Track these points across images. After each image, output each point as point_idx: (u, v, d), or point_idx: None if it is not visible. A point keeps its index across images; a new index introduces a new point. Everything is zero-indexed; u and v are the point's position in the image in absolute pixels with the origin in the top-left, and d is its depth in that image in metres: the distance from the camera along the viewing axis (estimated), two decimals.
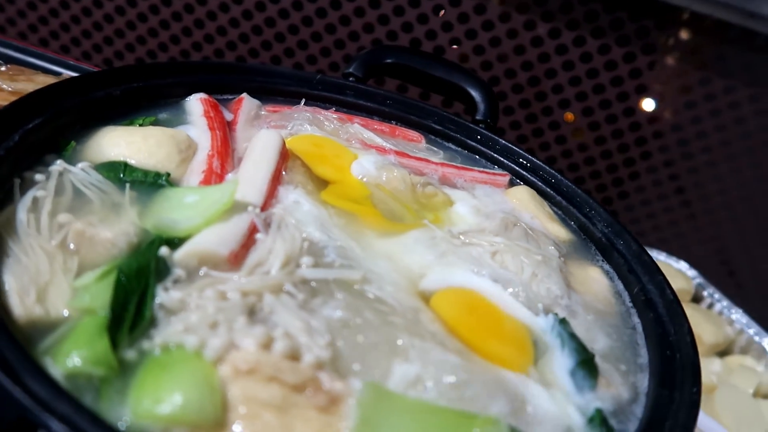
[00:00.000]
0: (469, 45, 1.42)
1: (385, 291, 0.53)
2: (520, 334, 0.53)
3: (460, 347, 0.50)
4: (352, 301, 0.51)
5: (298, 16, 1.41)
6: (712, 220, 1.60)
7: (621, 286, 0.65)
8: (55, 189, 0.55)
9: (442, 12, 1.37)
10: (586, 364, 0.52)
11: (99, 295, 0.45)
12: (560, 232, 0.71)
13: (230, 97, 0.78)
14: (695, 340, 0.55)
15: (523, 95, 1.50)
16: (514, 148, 0.80)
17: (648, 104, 1.49)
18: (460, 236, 0.64)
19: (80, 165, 0.59)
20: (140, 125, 0.68)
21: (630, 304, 0.63)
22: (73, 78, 0.65)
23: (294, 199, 0.61)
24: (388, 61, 0.85)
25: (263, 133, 0.68)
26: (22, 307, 0.44)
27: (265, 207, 0.58)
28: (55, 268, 0.48)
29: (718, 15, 1.32)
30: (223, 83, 0.78)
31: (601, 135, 1.53)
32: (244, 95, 0.77)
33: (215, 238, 0.52)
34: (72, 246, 0.50)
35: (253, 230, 0.55)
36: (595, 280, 0.65)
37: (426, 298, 0.55)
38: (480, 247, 0.62)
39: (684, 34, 1.42)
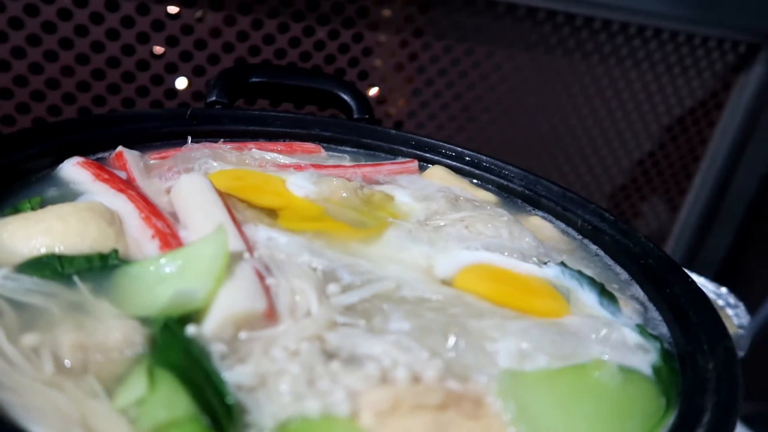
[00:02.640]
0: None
1: (419, 290, 0.51)
2: (545, 285, 0.55)
3: (516, 313, 0.50)
4: (404, 308, 0.48)
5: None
6: None
7: (563, 226, 0.71)
8: None
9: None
10: (605, 292, 0.56)
11: (173, 402, 0.35)
12: (488, 196, 0.74)
13: (103, 155, 0.66)
14: (652, 240, 0.63)
15: None
16: (406, 134, 0.81)
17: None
18: (428, 223, 0.63)
19: (0, 273, 0.45)
20: (32, 209, 0.54)
21: (580, 237, 0.69)
22: None
23: (266, 235, 0.55)
24: (254, 80, 0.79)
25: (186, 179, 0.59)
26: None
27: (249, 251, 0.51)
28: (76, 398, 0.36)
29: None
30: (90, 141, 0.66)
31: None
32: (121, 149, 0.66)
33: (243, 296, 0.44)
34: (70, 364, 0.38)
35: (260, 277, 0.48)
36: (543, 226, 0.70)
37: (447, 284, 0.54)
38: (452, 225, 0.62)
39: (396, 8, 1.50)
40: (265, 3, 1.36)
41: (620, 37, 1.70)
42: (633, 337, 0.51)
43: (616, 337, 0.49)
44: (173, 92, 1.38)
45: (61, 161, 0.61)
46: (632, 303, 0.58)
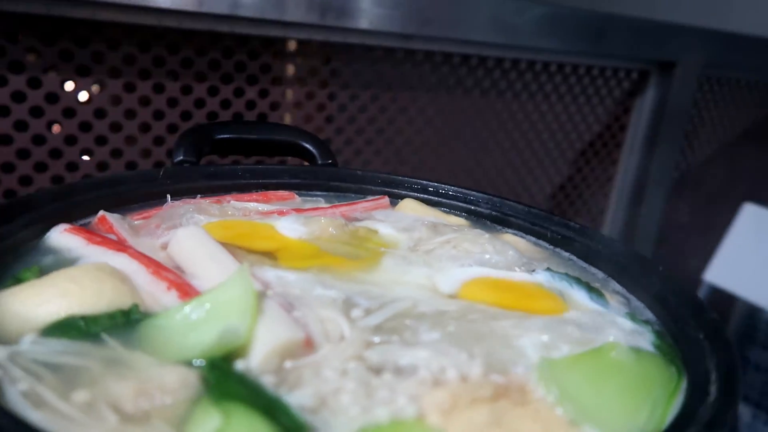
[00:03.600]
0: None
1: (434, 305, 0.54)
2: (540, 289, 0.60)
3: (525, 314, 0.55)
4: (427, 321, 0.51)
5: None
6: None
7: (533, 239, 0.77)
8: (30, 375, 0.41)
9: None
10: (592, 289, 0.62)
11: (253, 426, 0.37)
12: (460, 221, 0.80)
13: (84, 221, 0.66)
14: (618, 240, 0.70)
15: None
16: (373, 173, 0.85)
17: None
18: (417, 248, 0.67)
19: (27, 340, 0.44)
20: (34, 277, 0.53)
21: (552, 247, 0.75)
22: None
23: (274, 275, 0.57)
24: (219, 137, 0.82)
25: (184, 232, 0.60)
26: None
27: (267, 289, 0.53)
28: None
29: (322, 37, 1.49)
30: (68, 209, 0.65)
31: None
32: (103, 213, 0.66)
33: (282, 328, 0.46)
34: (132, 412, 0.39)
35: (287, 311, 0.50)
36: (515, 241, 0.75)
37: (454, 298, 0.58)
38: (441, 248, 0.67)
39: (300, 63, 1.53)
40: (192, 68, 1.38)
41: (529, 74, 1.85)
42: (627, 323, 0.57)
43: (614, 324, 0.55)
44: (105, 164, 1.37)
45: (47, 231, 0.61)
46: (616, 296, 0.63)
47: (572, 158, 2.01)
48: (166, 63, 1.38)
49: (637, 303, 0.63)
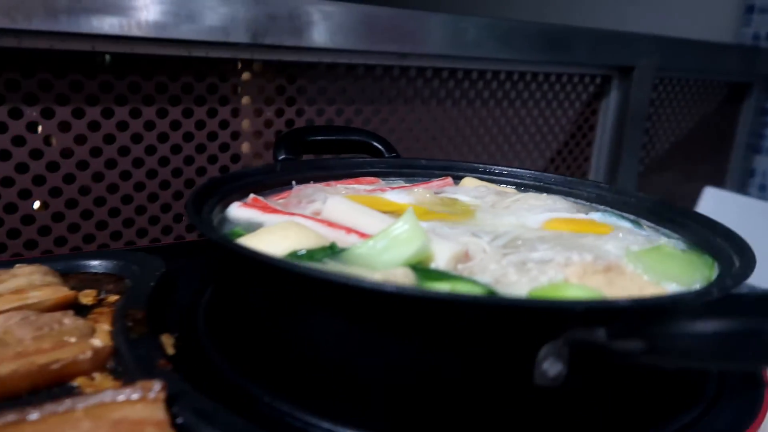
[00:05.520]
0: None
1: (534, 234, 0.79)
2: (598, 223, 0.86)
3: (596, 234, 0.80)
4: (536, 241, 0.76)
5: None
6: None
7: (572, 199, 1.03)
8: None
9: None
10: (634, 221, 0.88)
11: (473, 288, 0.60)
12: (513, 190, 1.05)
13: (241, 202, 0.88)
14: (640, 192, 0.97)
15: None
16: (434, 161, 1.10)
17: None
18: (496, 206, 0.92)
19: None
20: (245, 233, 0.75)
21: (588, 203, 1.01)
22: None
23: None
24: (311, 138, 1.05)
25: (334, 199, 0.82)
26: None
27: None
28: None
29: (330, 59, 1.75)
30: (229, 192, 0.87)
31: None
32: (254, 195, 0.88)
33: (452, 243, 0.69)
34: None
35: None
36: (559, 200, 1.01)
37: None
38: (514, 204, 0.92)
39: (256, 81, 1.74)
40: (191, 93, 1.60)
41: (508, 84, 2.14)
42: (666, 238, 0.83)
43: (659, 237, 0.81)
44: (115, 186, 1.53)
45: (225, 208, 0.83)
46: (648, 228, 0.90)
47: (550, 156, 2.32)
48: (168, 89, 1.57)
49: (665, 230, 0.90)
